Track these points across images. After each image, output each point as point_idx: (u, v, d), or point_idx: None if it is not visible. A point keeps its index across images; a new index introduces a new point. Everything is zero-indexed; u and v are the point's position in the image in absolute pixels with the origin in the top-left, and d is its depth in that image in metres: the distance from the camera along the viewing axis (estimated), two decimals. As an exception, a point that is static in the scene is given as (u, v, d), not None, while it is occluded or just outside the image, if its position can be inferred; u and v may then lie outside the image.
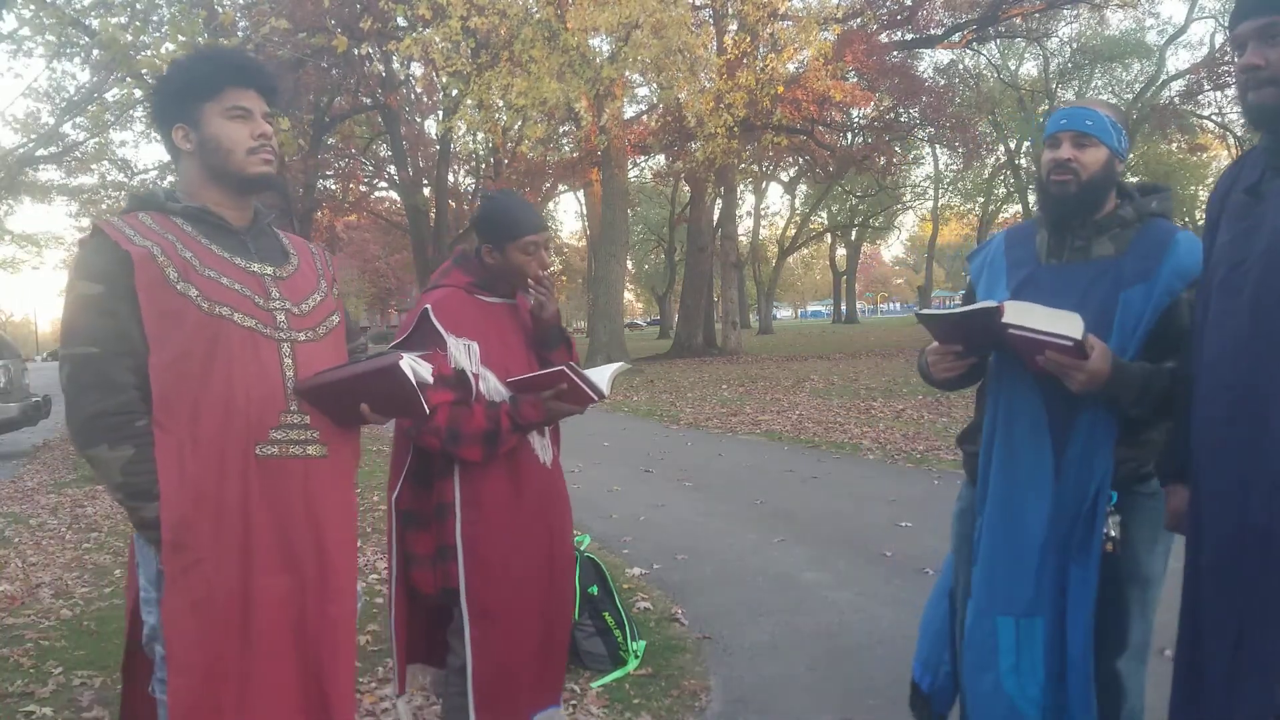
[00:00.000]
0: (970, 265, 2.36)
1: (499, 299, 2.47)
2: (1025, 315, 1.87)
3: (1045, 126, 2.17)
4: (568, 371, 2.26)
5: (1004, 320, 1.88)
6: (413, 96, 27.46)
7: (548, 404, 2.29)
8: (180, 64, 1.93)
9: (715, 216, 27.14)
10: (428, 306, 2.34)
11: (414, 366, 1.81)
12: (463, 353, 2.30)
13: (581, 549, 3.80)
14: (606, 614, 3.54)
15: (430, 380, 1.87)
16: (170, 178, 13.66)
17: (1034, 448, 2.04)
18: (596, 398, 2.30)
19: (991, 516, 2.11)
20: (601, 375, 2.35)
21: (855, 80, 22.20)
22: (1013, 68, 35.66)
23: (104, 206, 21.36)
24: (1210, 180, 43.10)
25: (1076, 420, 1.99)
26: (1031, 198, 36.54)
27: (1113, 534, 1.99)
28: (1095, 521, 1.98)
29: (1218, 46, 28.50)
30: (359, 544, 5.53)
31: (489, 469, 2.32)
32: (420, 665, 2.56)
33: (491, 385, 2.33)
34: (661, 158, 27.81)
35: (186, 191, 1.90)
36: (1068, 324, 1.84)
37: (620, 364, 2.63)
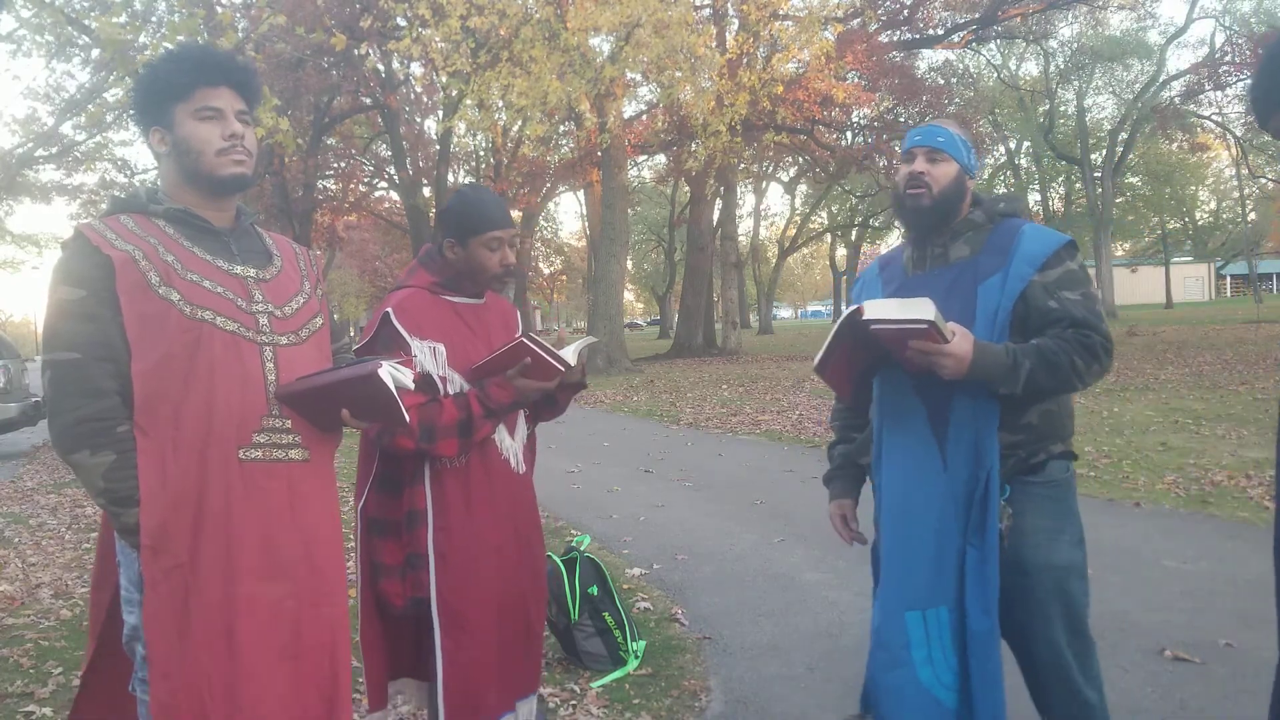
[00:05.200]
0: (852, 295, 2.47)
1: (466, 299, 2.41)
2: (881, 309, 1.95)
3: (902, 143, 2.28)
4: (527, 343, 2.21)
5: (864, 319, 1.95)
6: (413, 96, 27.44)
7: (515, 382, 2.24)
8: (152, 66, 1.90)
9: (715, 216, 27.13)
10: (389, 310, 2.29)
11: (394, 373, 1.80)
12: (428, 355, 2.25)
13: (581, 549, 3.79)
14: (606, 614, 3.54)
15: (411, 386, 1.86)
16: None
17: (919, 442, 2.12)
18: (562, 369, 2.26)
19: (888, 515, 2.20)
20: (567, 349, 2.30)
21: (856, 80, 22.19)
22: (1013, 68, 35.65)
23: (104, 207, 21.35)
24: (1210, 180, 43.15)
25: (953, 410, 2.08)
26: (1032, 198, 36.62)
27: (1001, 525, 2.04)
28: (989, 505, 2.02)
29: (1218, 46, 28.49)
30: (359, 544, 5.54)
31: (461, 474, 2.28)
32: (407, 680, 2.50)
33: (459, 387, 2.28)
34: (661, 157, 27.80)
35: (168, 193, 1.88)
36: (919, 309, 1.90)
37: (589, 338, 2.59)
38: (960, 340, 1.95)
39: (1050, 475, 2.11)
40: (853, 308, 1.99)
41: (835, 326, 2.02)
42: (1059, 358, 1.99)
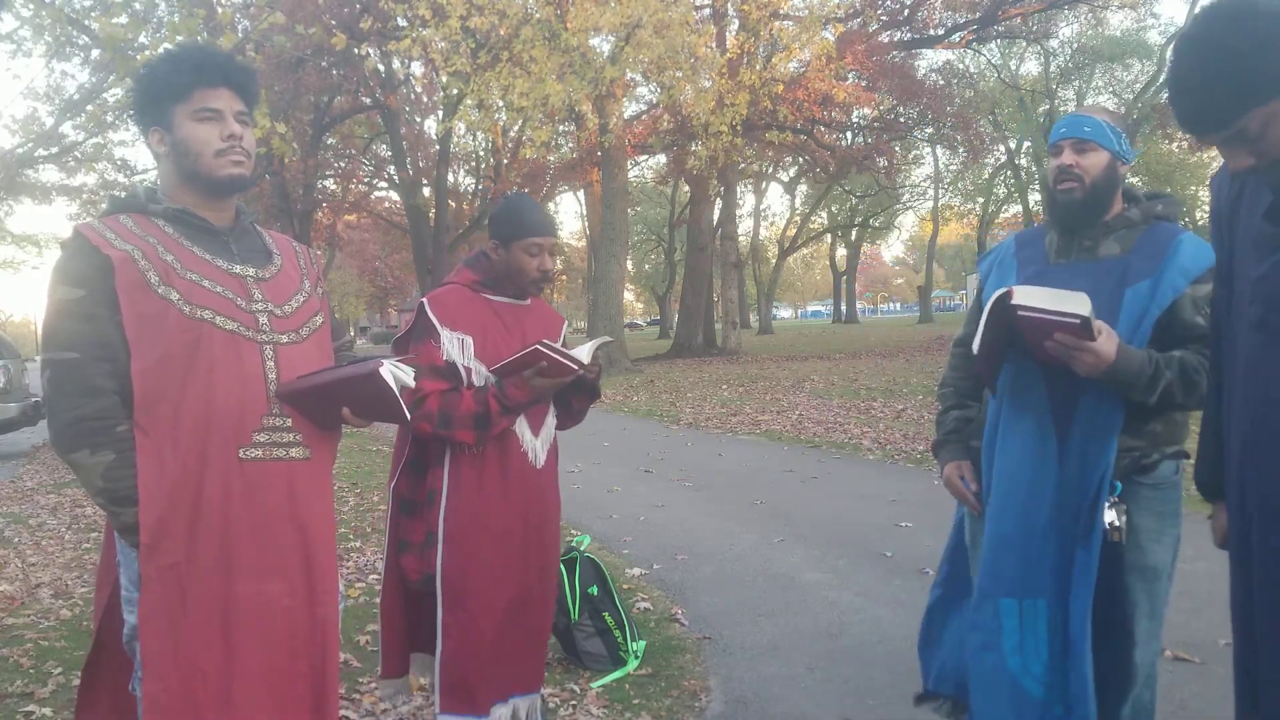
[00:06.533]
0: (980, 267, 2.44)
1: (505, 298, 2.53)
2: (1033, 297, 1.92)
3: (1049, 136, 2.25)
4: (542, 349, 2.32)
5: (1013, 302, 1.92)
6: (412, 96, 27.45)
7: (531, 382, 2.36)
8: (151, 66, 1.91)
9: (715, 216, 27.13)
10: (424, 301, 2.45)
11: (395, 372, 1.82)
12: (456, 346, 2.39)
13: (581, 549, 3.79)
14: (606, 614, 3.54)
15: (412, 384, 1.89)
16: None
17: (1037, 436, 2.10)
18: (577, 368, 2.37)
19: (996, 502, 2.17)
20: (582, 348, 2.43)
21: (856, 80, 22.19)
22: (1013, 68, 35.64)
23: (104, 207, 21.35)
24: (1210, 180, 43.12)
25: (1078, 408, 2.05)
26: (1032, 198, 36.60)
27: (1117, 524, 2.05)
28: (1098, 508, 2.03)
29: (1218, 46, 28.37)
30: (360, 544, 5.55)
31: (477, 460, 2.39)
32: (424, 655, 2.60)
33: (484, 379, 2.40)
34: (662, 157, 27.76)
35: (167, 193, 1.89)
36: (1074, 303, 1.86)
37: (603, 338, 2.71)
38: (1106, 340, 1.92)
39: (1160, 476, 2.12)
40: (1001, 290, 1.95)
41: (986, 312, 1.99)
42: (1198, 376, 1.97)
